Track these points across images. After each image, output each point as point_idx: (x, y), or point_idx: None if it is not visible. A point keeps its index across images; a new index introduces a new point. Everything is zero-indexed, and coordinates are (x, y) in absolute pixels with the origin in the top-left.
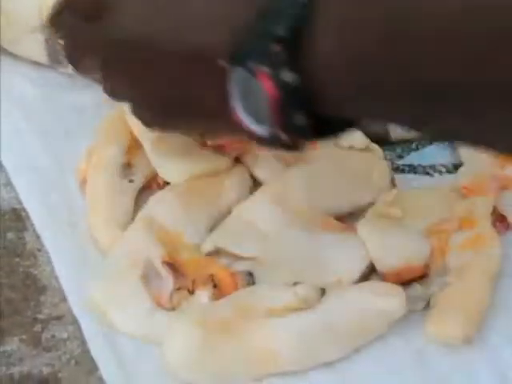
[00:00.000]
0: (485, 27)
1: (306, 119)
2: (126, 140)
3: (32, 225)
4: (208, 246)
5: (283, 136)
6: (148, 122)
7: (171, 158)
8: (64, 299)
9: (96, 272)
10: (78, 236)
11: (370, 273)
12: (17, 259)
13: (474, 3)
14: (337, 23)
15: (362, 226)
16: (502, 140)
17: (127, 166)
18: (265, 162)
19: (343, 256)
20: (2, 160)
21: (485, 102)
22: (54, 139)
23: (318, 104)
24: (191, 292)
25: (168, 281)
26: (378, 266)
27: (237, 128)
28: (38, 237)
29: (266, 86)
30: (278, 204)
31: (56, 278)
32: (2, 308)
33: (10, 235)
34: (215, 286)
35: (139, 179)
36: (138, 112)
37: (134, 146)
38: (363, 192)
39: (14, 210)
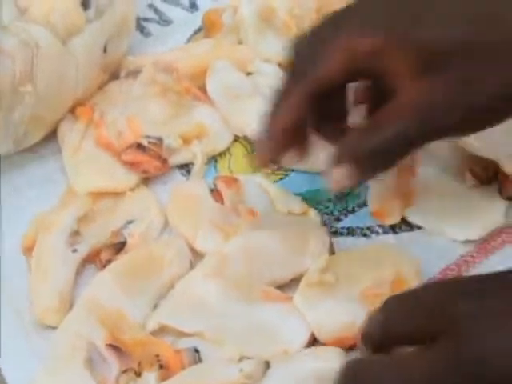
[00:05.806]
0: None
1: None
2: (80, 209)
3: None
4: (152, 324)
5: None
6: None
7: (82, 169)
8: None
9: (40, 358)
10: (20, 321)
11: (315, 339)
12: None
13: None
14: None
15: (298, 297)
16: None
17: (75, 234)
18: (204, 235)
19: (287, 326)
20: None
21: None
22: None
23: None
24: (138, 374)
25: (113, 364)
26: (319, 336)
27: None
28: None
29: None
30: (219, 277)
31: None
32: None
33: None
34: (161, 366)
35: (83, 250)
36: None
37: (87, 216)
38: (301, 259)
39: None
